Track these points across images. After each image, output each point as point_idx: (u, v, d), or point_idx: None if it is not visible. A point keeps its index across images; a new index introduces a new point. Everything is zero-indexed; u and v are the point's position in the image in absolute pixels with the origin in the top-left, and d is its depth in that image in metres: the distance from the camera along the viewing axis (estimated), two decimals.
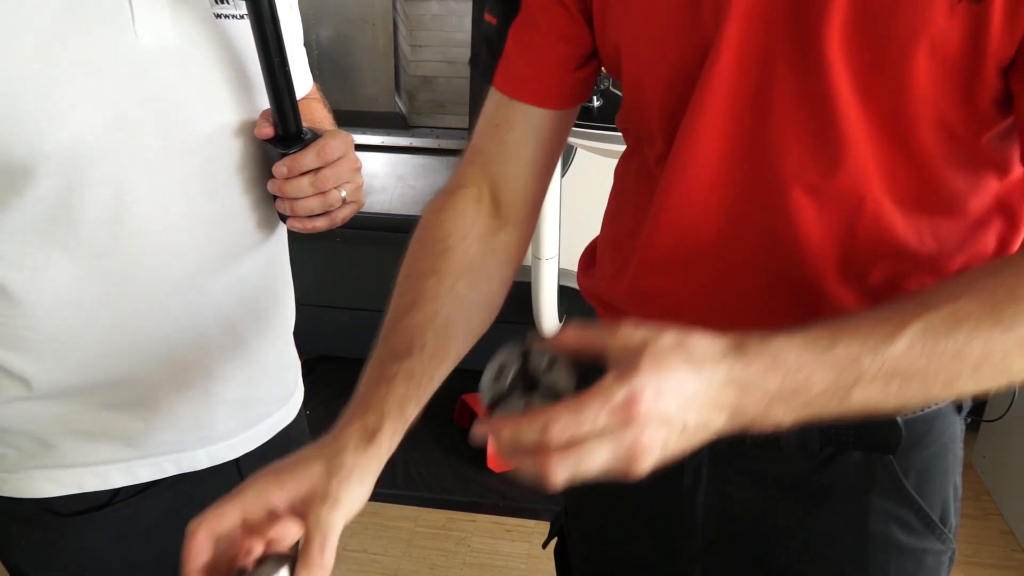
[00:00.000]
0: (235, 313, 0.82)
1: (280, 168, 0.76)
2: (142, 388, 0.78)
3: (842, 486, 0.73)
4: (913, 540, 0.73)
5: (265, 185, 0.81)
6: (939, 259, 0.67)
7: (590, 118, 1.86)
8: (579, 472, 0.49)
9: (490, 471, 2.33)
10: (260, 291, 0.85)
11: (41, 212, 0.69)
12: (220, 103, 0.76)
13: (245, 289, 0.83)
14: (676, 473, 0.77)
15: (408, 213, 2.61)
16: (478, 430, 0.54)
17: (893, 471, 0.72)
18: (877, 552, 0.74)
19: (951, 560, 0.77)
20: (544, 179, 0.78)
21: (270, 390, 0.91)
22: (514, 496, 2.26)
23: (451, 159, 2.80)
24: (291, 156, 0.76)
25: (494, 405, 0.56)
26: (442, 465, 2.37)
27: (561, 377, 0.55)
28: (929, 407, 0.71)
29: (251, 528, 0.55)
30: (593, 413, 0.48)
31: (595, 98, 1.93)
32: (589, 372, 0.53)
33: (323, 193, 0.78)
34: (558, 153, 0.79)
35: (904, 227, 0.65)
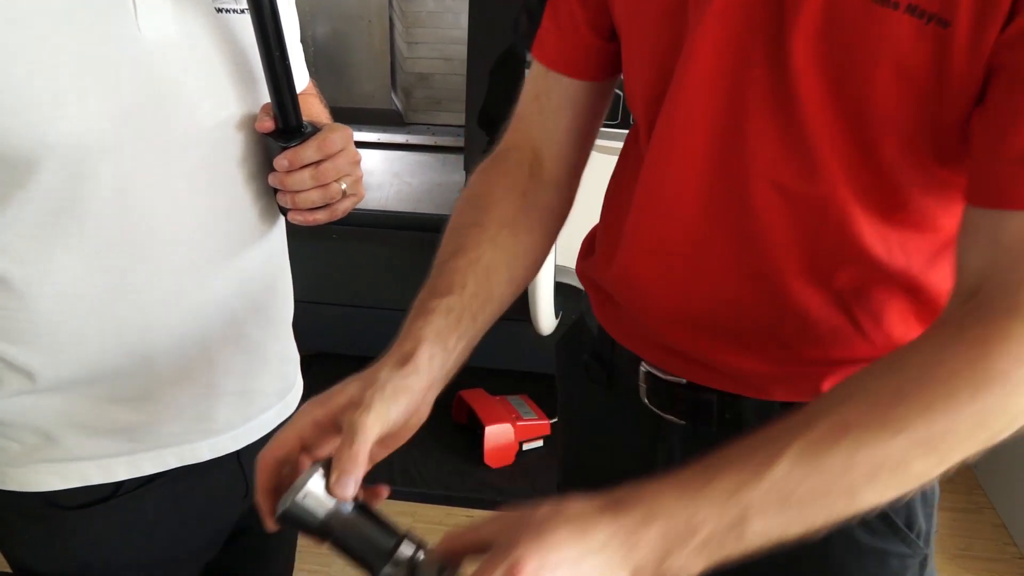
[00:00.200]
0: (237, 305, 0.83)
1: (281, 161, 0.77)
2: (145, 380, 0.79)
3: None
4: (875, 541, 0.73)
5: (266, 178, 0.82)
6: (909, 273, 0.67)
7: None
8: None
9: (487, 467, 2.34)
10: (261, 283, 0.86)
11: (45, 205, 0.69)
12: (222, 96, 0.77)
13: (246, 281, 0.84)
14: (650, 452, 0.79)
15: (404, 210, 2.62)
16: None
17: None
18: (837, 550, 0.73)
19: (922, 566, 0.75)
20: (584, 146, 0.81)
21: (271, 383, 0.91)
22: (511, 492, 2.27)
23: (447, 156, 2.80)
24: (292, 149, 0.77)
25: None
26: (440, 461, 2.38)
27: None
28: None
29: (307, 448, 0.61)
30: None
31: None
32: None
33: (324, 186, 0.79)
34: (598, 122, 0.81)
35: (871, 236, 0.65)
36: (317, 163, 0.78)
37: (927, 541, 0.75)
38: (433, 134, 2.84)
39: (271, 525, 0.59)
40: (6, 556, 0.87)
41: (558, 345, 0.94)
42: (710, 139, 0.66)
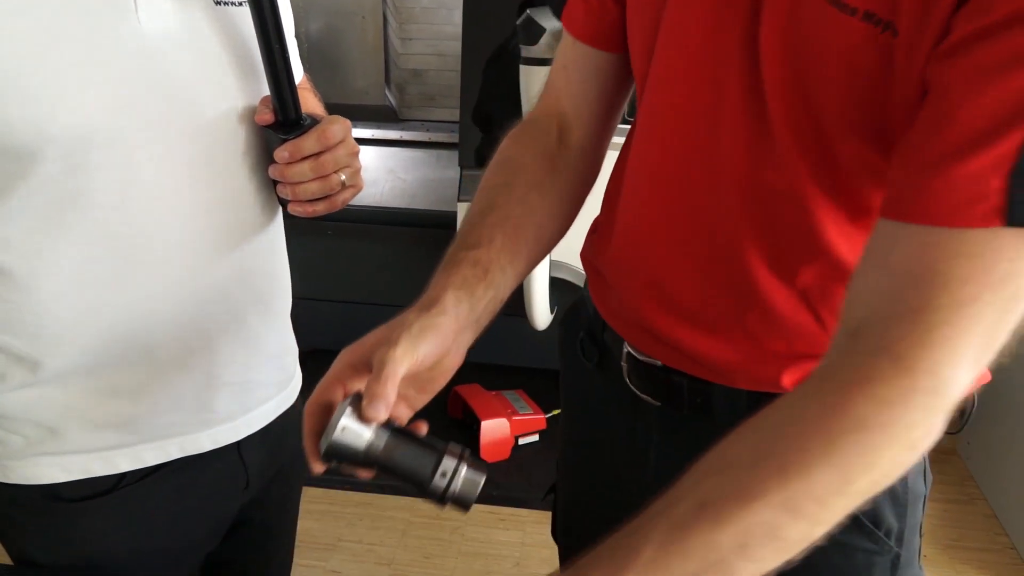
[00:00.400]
0: (237, 296, 0.84)
1: (282, 153, 0.77)
2: (147, 370, 0.79)
3: None
4: (838, 533, 0.73)
5: (266, 170, 0.82)
6: None
7: None
8: None
9: (483, 461, 2.35)
10: (261, 274, 0.87)
11: (47, 196, 0.69)
12: (223, 88, 0.77)
13: (247, 272, 0.84)
14: (632, 431, 0.81)
15: (399, 206, 2.62)
16: None
17: None
18: None
19: (894, 565, 0.75)
20: (610, 116, 0.82)
21: (270, 373, 0.92)
22: (507, 486, 2.27)
23: (441, 152, 2.80)
24: (292, 141, 0.77)
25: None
26: None
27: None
28: None
29: (348, 391, 0.63)
30: None
31: None
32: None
33: (323, 177, 0.79)
34: (624, 94, 0.83)
35: (836, 235, 0.65)
36: (317, 155, 0.78)
37: (900, 540, 0.74)
38: (427, 130, 2.84)
39: (318, 467, 0.61)
40: (10, 549, 0.87)
41: (560, 322, 0.96)
42: (684, 125, 0.68)
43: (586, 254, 0.87)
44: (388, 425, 0.59)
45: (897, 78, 0.55)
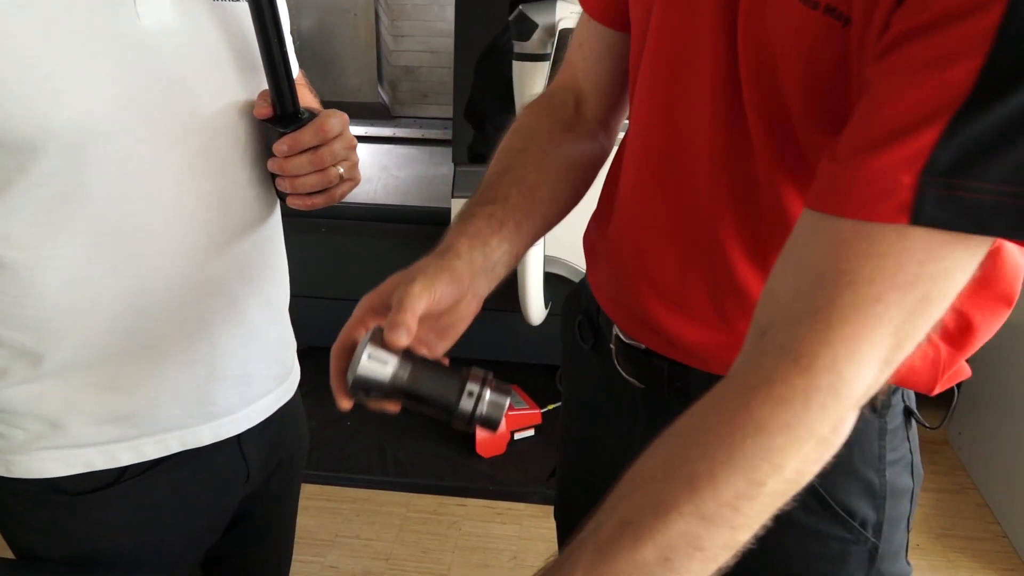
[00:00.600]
0: (237, 289, 0.84)
1: (280, 146, 0.78)
2: (148, 364, 0.80)
3: None
4: (813, 521, 0.73)
5: (264, 163, 0.83)
6: None
7: None
8: None
9: (479, 456, 2.36)
10: (260, 268, 0.87)
11: (48, 190, 0.70)
12: (221, 83, 0.78)
13: (246, 266, 0.85)
14: (618, 412, 0.84)
15: (392, 203, 2.62)
16: None
17: None
18: (775, 523, 0.73)
19: (871, 557, 0.75)
20: (623, 93, 0.84)
21: (269, 367, 0.93)
22: (503, 481, 2.28)
23: (434, 148, 2.81)
24: (291, 134, 0.78)
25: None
26: (432, 452, 2.39)
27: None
28: None
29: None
30: None
31: None
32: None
33: (322, 170, 0.80)
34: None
35: None
36: (315, 148, 0.79)
37: (878, 532, 0.74)
38: (420, 127, 2.84)
39: (345, 404, 0.63)
40: (11, 542, 0.87)
41: (563, 305, 0.98)
42: (667, 110, 0.70)
43: (586, 238, 0.89)
44: (411, 356, 0.61)
45: (852, 72, 0.56)
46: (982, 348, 0.73)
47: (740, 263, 0.70)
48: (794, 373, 0.49)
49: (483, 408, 0.60)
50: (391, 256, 2.59)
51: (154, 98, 0.72)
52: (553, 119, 0.81)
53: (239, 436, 0.91)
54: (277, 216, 0.91)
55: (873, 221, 0.48)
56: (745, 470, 0.49)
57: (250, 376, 0.89)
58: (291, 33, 0.87)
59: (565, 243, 2.27)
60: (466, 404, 0.60)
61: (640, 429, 0.81)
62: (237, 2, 0.79)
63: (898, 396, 0.74)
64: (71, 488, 0.81)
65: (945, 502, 2.23)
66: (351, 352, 0.63)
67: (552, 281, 2.34)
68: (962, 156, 0.46)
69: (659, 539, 0.49)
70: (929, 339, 0.70)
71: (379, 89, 2.87)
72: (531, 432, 2.44)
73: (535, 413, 2.44)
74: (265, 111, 0.79)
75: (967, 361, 0.74)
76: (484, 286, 0.69)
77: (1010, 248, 0.67)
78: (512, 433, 2.41)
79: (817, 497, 0.73)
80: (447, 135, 2.72)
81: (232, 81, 0.79)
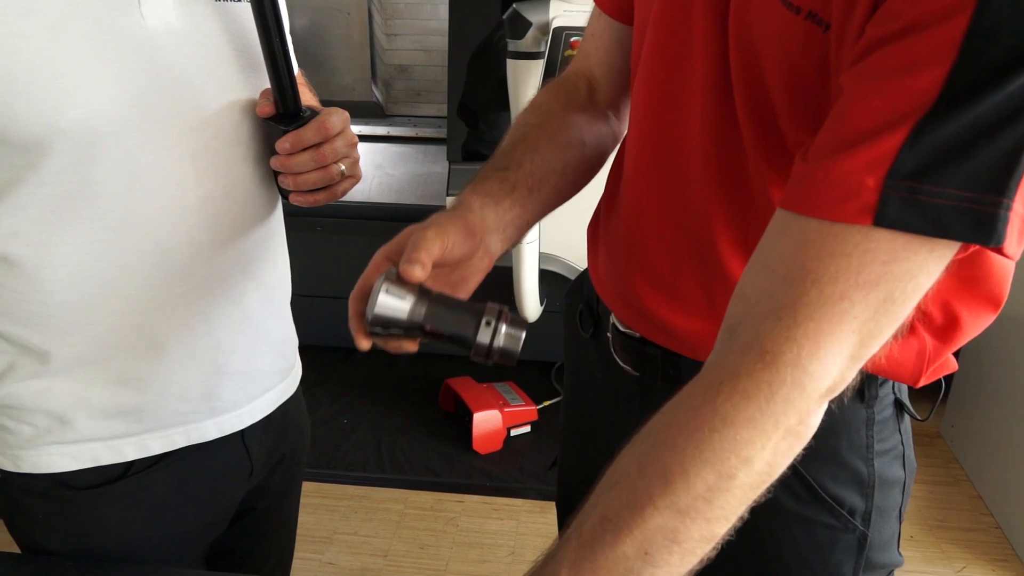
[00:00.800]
0: (241, 285, 0.85)
1: (283, 144, 0.79)
2: (154, 359, 0.81)
3: None
4: (800, 507, 0.74)
5: (267, 161, 0.84)
6: None
7: None
8: None
9: (475, 453, 2.37)
10: (263, 264, 0.88)
11: (56, 188, 0.71)
12: (225, 82, 0.79)
13: (249, 262, 0.86)
14: (615, 400, 0.86)
15: (387, 201, 2.63)
16: None
17: None
18: (764, 510, 0.75)
19: (860, 545, 0.76)
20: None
21: (272, 362, 0.93)
22: (500, 477, 2.30)
23: (428, 147, 2.82)
24: (293, 132, 0.79)
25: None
26: (429, 448, 2.40)
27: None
28: None
29: None
30: None
31: None
32: None
33: (324, 168, 0.81)
34: None
35: None
36: (317, 145, 0.80)
37: (866, 521, 0.75)
38: (414, 126, 2.85)
39: (364, 343, 0.64)
40: (17, 536, 0.88)
41: (565, 295, 1.00)
42: (662, 104, 0.72)
43: (590, 228, 0.91)
44: (427, 292, 0.62)
45: (831, 75, 0.57)
46: (974, 342, 0.74)
47: (730, 255, 0.71)
48: (758, 368, 0.51)
49: (500, 340, 0.61)
50: None
51: (159, 97, 0.73)
52: (567, 99, 0.84)
53: (243, 431, 0.91)
54: (279, 213, 0.92)
55: (838, 221, 0.50)
56: (714, 463, 0.51)
57: (254, 371, 0.90)
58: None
59: (561, 241, 2.28)
60: (483, 337, 0.61)
61: (636, 416, 0.82)
62: (239, 2, 0.80)
63: (887, 388, 0.75)
64: (78, 483, 0.82)
65: (938, 494, 2.26)
66: (366, 297, 0.64)
67: (548, 278, 2.35)
68: (925, 161, 0.48)
69: (637, 533, 0.51)
70: (915, 331, 0.71)
71: (373, 88, 2.88)
72: (527, 428, 2.45)
73: (531, 409, 2.45)
74: (268, 109, 0.80)
75: (955, 355, 0.75)
76: (496, 244, 0.71)
77: (998, 255, 0.68)
78: (508, 429, 2.42)
79: (805, 484, 0.74)
80: (441, 133, 2.73)
81: (235, 80, 0.80)
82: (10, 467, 0.81)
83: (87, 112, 0.68)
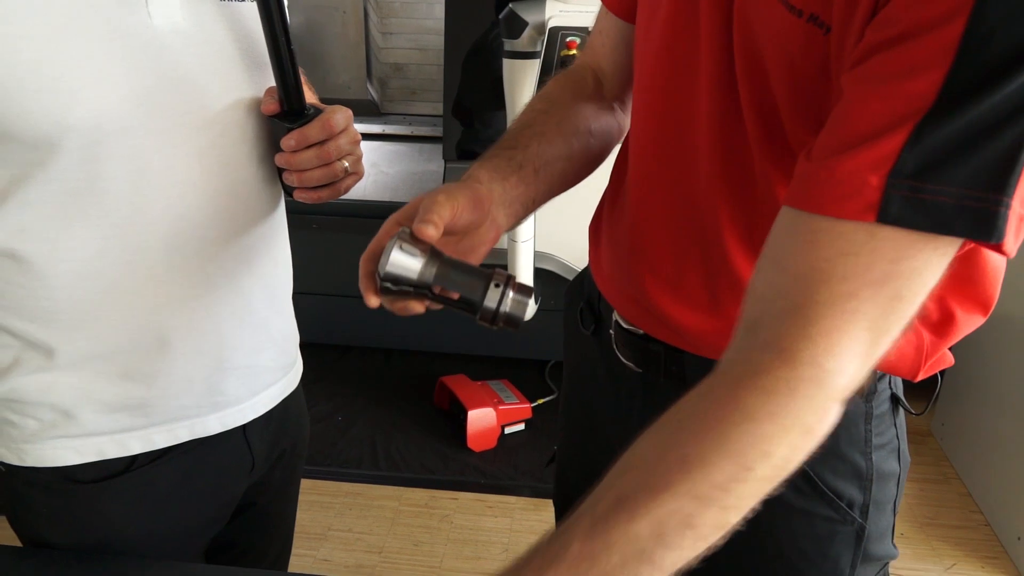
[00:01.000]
0: (245, 281, 0.86)
1: (288, 141, 0.80)
2: (159, 355, 0.81)
3: None
4: (800, 500, 0.76)
5: (271, 158, 0.84)
6: None
7: None
8: None
9: (470, 451, 2.38)
10: (266, 260, 0.89)
11: (64, 185, 0.71)
12: (229, 80, 0.80)
13: (253, 258, 0.86)
14: (616, 396, 0.87)
15: (382, 199, 2.63)
16: None
17: None
18: (764, 504, 0.75)
19: (858, 537, 0.77)
20: None
21: (275, 357, 0.94)
22: (494, 474, 2.31)
23: (424, 145, 2.82)
24: (299, 129, 0.79)
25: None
26: (423, 446, 2.41)
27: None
28: None
29: None
30: None
31: None
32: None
33: (328, 164, 0.82)
34: None
35: None
36: (321, 143, 0.81)
37: (864, 514, 0.77)
38: (409, 124, 2.86)
39: (373, 300, 0.66)
40: (20, 530, 0.89)
41: (565, 293, 1.01)
42: (667, 100, 0.73)
43: (592, 225, 0.92)
44: (438, 254, 0.64)
45: (832, 77, 0.58)
46: (964, 341, 0.75)
47: (735, 251, 0.72)
48: (778, 366, 0.52)
49: (507, 305, 0.63)
50: None
51: (166, 96, 0.74)
52: (575, 90, 0.86)
53: (244, 426, 0.92)
54: (282, 210, 0.93)
55: (843, 219, 0.52)
56: (735, 455, 0.52)
57: (257, 367, 0.91)
58: None
59: (556, 239, 2.29)
60: (491, 301, 0.63)
61: (638, 412, 0.84)
62: (243, 2, 0.81)
63: (884, 383, 0.77)
64: (82, 477, 0.83)
65: (929, 491, 2.28)
66: (377, 258, 0.66)
67: (543, 277, 2.36)
68: (927, 160, 0.49)
69: (653, 515, 0.52)
70: (913, 326, 0.73)
71: (368, 86, 2.89)
72: (521, 426, 2.46)
73: (525, 407, 2.46)
74: (273, 107, 0.81)
75: (950, 351, 0.77)
76: (502, 217, 0.73)
77: (990, 257, 0.70)
78: (503, 427, 2.43)
79: (806, 478, 0.75)
80: (436, 132, 2.73)
81: (240, 79, 0.81)
82: (14, 461, 0.82)
83: (94, 110, 0.69)
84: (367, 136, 2.80)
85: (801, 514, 0.77)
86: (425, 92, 2.90)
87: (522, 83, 2.07)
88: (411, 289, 0.63)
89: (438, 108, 2.63)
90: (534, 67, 2.05)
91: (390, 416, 2.54)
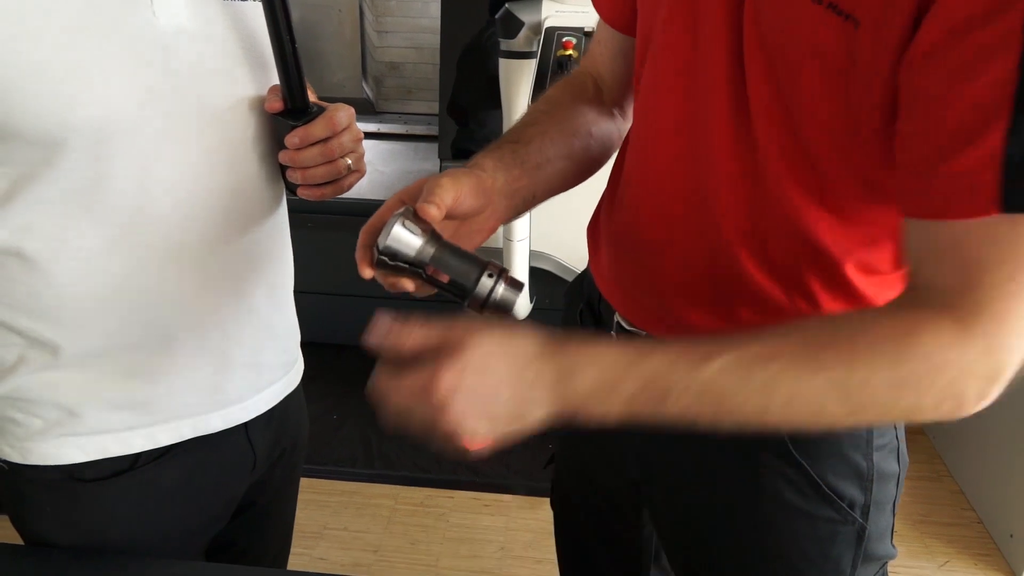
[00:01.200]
0: (247, 279, 0.86)
1: (292, 139, 0.80)
2: (164, 353, 0.81)
3: (737, 439, 0.78)
4: (803, 502, 0.77)
5: (274, 157, 0.85)
6: (831, 258, 0.71)
7: None
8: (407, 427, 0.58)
9: (464, 449, 2.37)
10: (269, 258, 0.89)
11: (71, 184, 0.71)
12: (234, 79, 0.80)
13: (256, 256, 0.87)
14: None
15: (377, 198, 2.63)
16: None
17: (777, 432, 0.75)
18: (767, 505, 0.77)
19: (859, 538, 0.78)
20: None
21: (277, 355, 0.95)
22: (489, 473, 2.31)
23: (419, 144, 2.83)
24: (303, 127, 0.80)
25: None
26: (418, 445, 2.40)
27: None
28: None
29: None
30: (408, 386, 0.57)
31: None
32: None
33: (331, 162, 0.82)
34: None
35: (807, 216, 0.69)
36: (325, 140, 0.81)
37: (865, 514, 0.78)
38: (405, 123, 2.86)
39: (368, 272, 0.67)
40: (22, 529, 0.88)
41: (565, 293, 1.01)
42: (675, 103, 0.73)
43: (590, 227, 0.93)
44: (438, 236, 0.65)
45: (860, 71, 0.59)
46: None
47: (740, 248, 0.73)
48: (956, 330, 0.55)
49: (498, 293, 0.64)
50: None
51: (171, 95, 0.74)
52: (576, 94, 0.88)
53: (246, 424, 0.92)
54: (284, 208, 0.93)
55: (973, 219, 0.54)
56: (897, 379, 0.55)
57: (259, 364, 0.91)
58: None
59: (551, 239, 2.29)
60: (482, 288, 0.64)
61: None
62: (247, 2, 0.81)
63: None
64: (86, 475, 0.83)
65: (921, 489, 2.29)
66: (377, 232, 0.66)
67: (538, 276, 2.37)
68: None
69: (799, 383, 0.55)
70: None
71: (363, 85, 2.88)
72: None
73: None
74: (277, 105, 0.81)
75: None
76: (504, 207, 0.74)
77: None
78: None
79: (808, 479, 0.76)
80: (431, 131, 2.73)
81: (244, 77, 0.81)
82: (18, 459, 0.82)
83: (100, 109, 0.69)
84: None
85: (803, 515, 0.78)
86: (421, 91, 2.90)
87: (518, 83, 2.07)
88: (406, 266, 0.64)
89: (434, 107, 2.63)
90: (530, 67, 2.06)
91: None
